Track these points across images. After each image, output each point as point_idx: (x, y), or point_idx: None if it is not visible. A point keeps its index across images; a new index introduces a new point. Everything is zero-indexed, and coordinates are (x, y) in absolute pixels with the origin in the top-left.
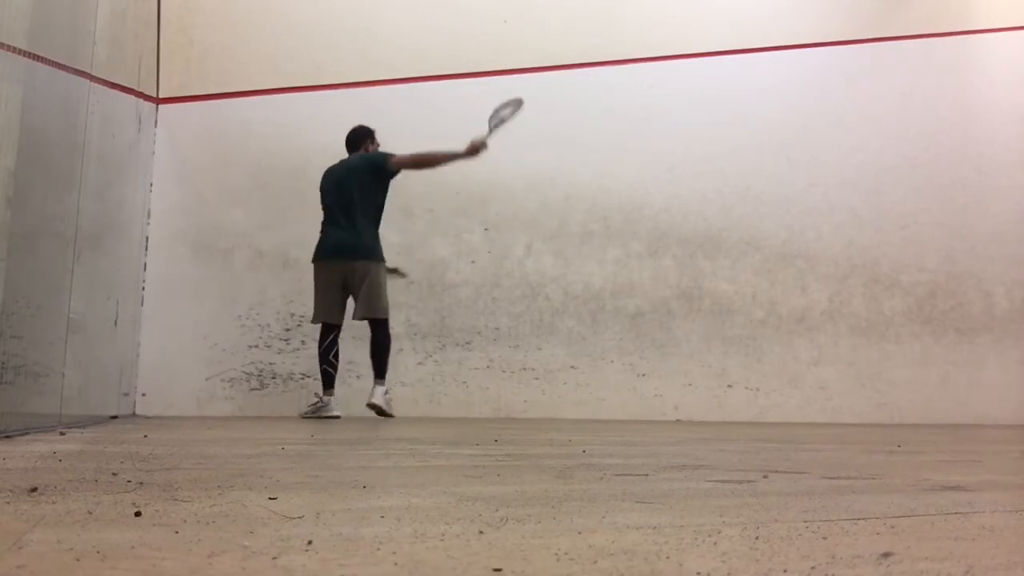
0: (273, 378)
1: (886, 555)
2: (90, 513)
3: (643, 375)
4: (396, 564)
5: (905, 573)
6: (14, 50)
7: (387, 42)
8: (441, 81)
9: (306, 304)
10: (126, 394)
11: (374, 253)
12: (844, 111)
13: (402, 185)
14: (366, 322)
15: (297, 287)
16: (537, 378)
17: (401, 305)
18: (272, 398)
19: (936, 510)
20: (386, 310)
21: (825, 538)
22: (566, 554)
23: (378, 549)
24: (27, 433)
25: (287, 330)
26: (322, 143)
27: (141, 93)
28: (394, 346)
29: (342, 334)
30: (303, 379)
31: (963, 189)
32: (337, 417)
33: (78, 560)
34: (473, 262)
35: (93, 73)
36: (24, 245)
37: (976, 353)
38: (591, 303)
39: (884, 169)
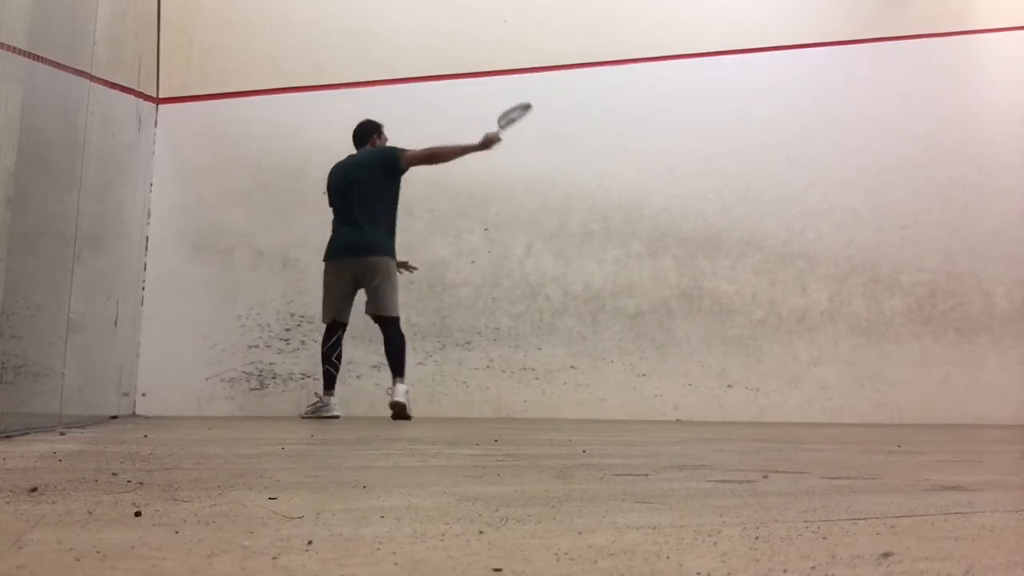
0: (273, 378)
1: (886, 555)
2: (90, 513)
3: (643, 375)
4: (396, 564)
5: (905, 573)
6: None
7: (387, 42)
8: (441, 81)
9: (306, 304)
10: (126, 394)
11: (386, 250)
12: (844, 111)
13: (402, 184)
14: (369, 322)
15: (297, 287)
16: (537, 378)
17: (401, 305)
18: (272, 398)
19: (936, 510)
20: (396, 308)
21: (825, 538)
22: (566, 554)
23: (378, 549)
24: (27, 433)
25: (287, 330)
26: (322, 143)
27: (141, 93)
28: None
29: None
30: (303, 379)
31: (963, 189)
32: (336, 417)
33: (78, 560)
34: (473, 262)
35: (93, 73)
36: (24, 245)
37: (976, 353)
38: (591, 303)
39: (884, 169)
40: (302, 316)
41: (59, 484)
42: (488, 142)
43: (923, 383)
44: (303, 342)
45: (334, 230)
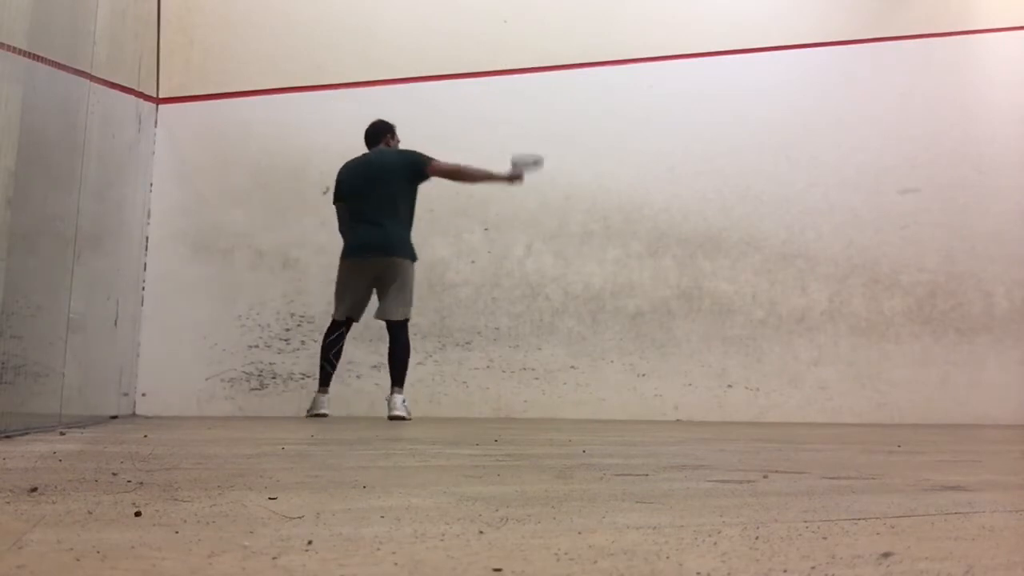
0: (273, 378)
1: (886, 555)
2: (90, 513)
3: (643, 375)
4: (396, 564)
5: (905, 573)
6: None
7: (387, 42)
8: (441, 81)
9: (306, 304)
10: (126, 394)
11: (409, 252)
12: (844, 111)
13: None
14: (370, 321)
15: (297, 287)
16: (537, 378)
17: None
18: (272, 398)
19: (936, 510)
20: (410, 312)
21: (825, 538)
22: (566, 554)
23: (378, 549)
24: (27, 433)
25: (287, 330)
26: (322, 143)
27: (141, 93)
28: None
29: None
30: (303, 379)
31: (963, 189)
32: (324, 415)
33: (78, 560)
34: (473, 262)
35: (93, 73)
36: (24, 245)
37: (976, 353)
38: (591, 303)
39: (884, 169)
40: (302, 316)
41: (59, 484)
42: (515, 176)
43: (923, 383)
44: (303, 342)
45: (351, 229)
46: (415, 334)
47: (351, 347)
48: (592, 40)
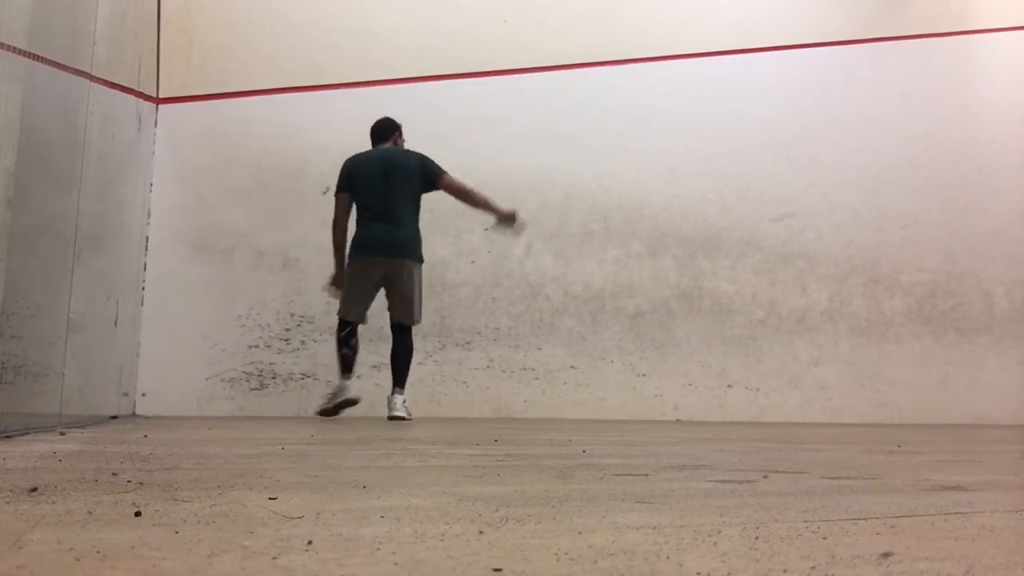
0: (273, 378)
1: (886, 555)
2: (90, 513)
3: (643, 375)
4: (396, 564)
5: (905, 573)
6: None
7: (387, 42)
8: (441, 81)
9: (306, 304)
10: (126, 394)
11: (420, 255)
12: (844, 111)
13: None
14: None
15: (297, 287)
16: (537, 378)
17: None
18: (272, 398)
19: (936, 510)
20: (421, 315)
21: (825, 538)
22: (566, 554)
23: (378, 549)
24: (27, 433)
25: (287, 330)
26: (322, 143)
27: (141, 93)
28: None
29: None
30: (303, 379)
31: (963, 189)
32: (355, 401)
33: (78, 560)
34: (473, 262)
35: (93, 73)
36: (24, 245)
37: (976, 353)
38: (591, 303)
39: (884, 169)
40: (302, 316)
41: (59, 484)
42: (511, 217)
43: (923, 383)
44: (303, 342)
45: (364, 227)
46: (415, 334)
47: None
48: (592, 40)
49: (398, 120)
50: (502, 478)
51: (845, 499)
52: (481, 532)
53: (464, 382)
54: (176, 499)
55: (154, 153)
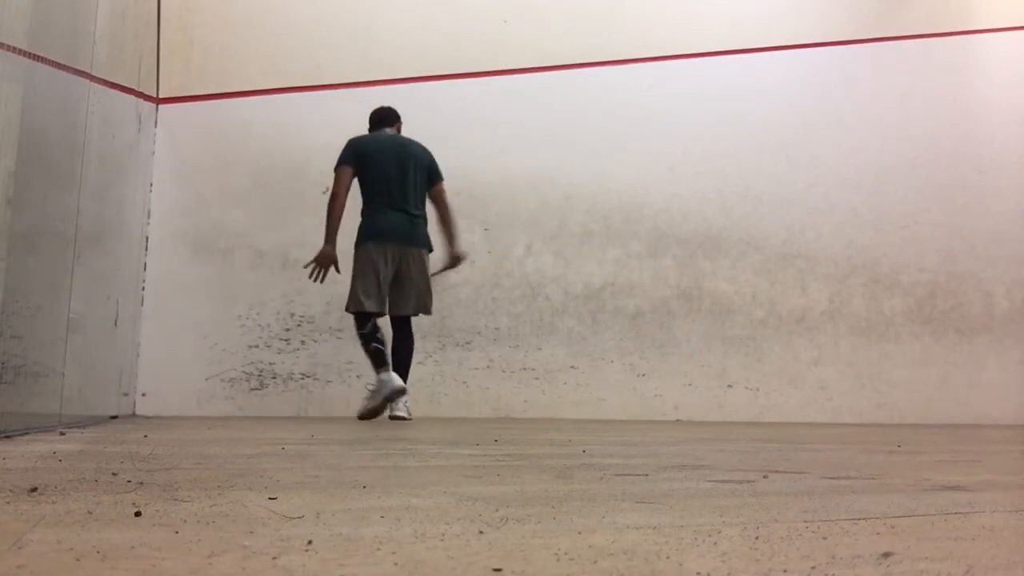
0: (273, 378)
1: (886, 555)
2: (90, 513)
3: (643, 375)
4: (396, 564)
5: (905, 573)
6: (14, 50)
7: (387, 42)
8: (441, 81)
9: (306, 304)
10: (126, 394)
11: (430, 244)
12: (844, 111)
13: None
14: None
15: (297, 287)
16: (537, 378)
17: None
18: (272, 398)
19: (936, 510)
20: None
21: (825, 538)
22: (566, 554)
23: (378, 549)
24: (27, 433)
25: (287, 330)
26: (322, 143)
27: (141, 93)
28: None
29: (342, 333)
30: (303, 379)
31: (963, 189)
32: (403, 391)
33: (78, 560)
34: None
35: (93, 73)
36: (24, 245)
37: (976, 353)
38: (591, 303)
39: (884, 169)
40: (302, 316)
41: (59, 484)
42: (459, 259)
43: (923, 383)
44: (303, 342)
45: (379, 211)
46: (415, 334)
47: (351, 346)
48: (592, 40)
49: None
50: (502, 478)
51: (845, 499)
52: (481, 532)
53: (464, 382)
54: (176, 499)
55: (154, 153)
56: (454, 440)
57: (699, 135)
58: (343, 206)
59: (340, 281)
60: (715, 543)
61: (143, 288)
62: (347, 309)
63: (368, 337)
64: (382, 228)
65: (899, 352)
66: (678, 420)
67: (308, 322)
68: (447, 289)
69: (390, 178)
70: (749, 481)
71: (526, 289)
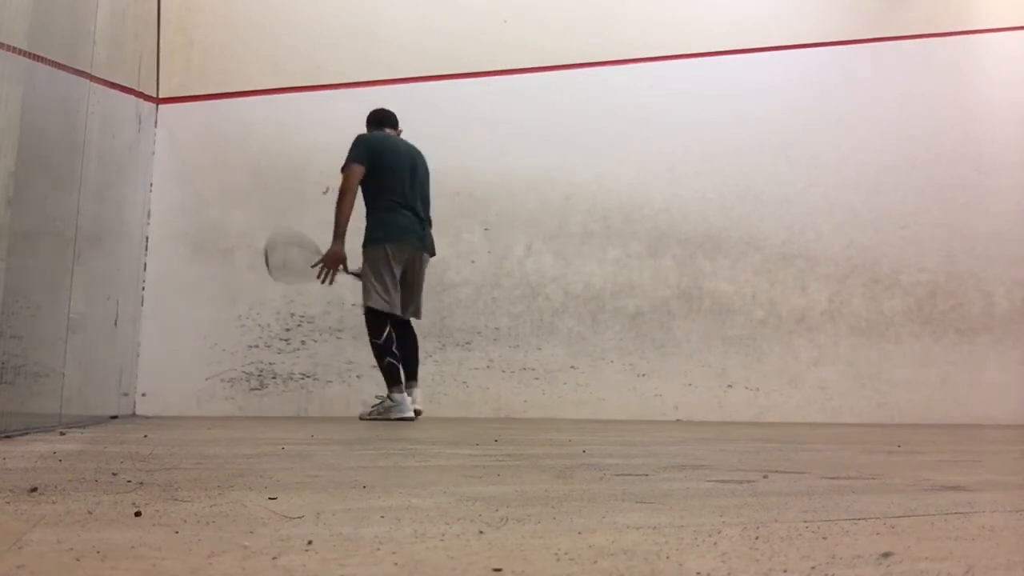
0: (273, 378)
1: (886, 555)
2: (90, 513)
3: (643, 375)
4: (396, 564)
5: (905, 573)
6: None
7: (387, 42)
8: (441, 81)
9: (306, 304)
10: (126, 394)
11: (435, 249)
12: (844, 111)
13: None
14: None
15: (297, 287)
16: (537, 378)
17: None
18: (272, 398)
19: (936, 510)
20: None
21: (825, 538)
22: (566, 554)
23: (378, 549)
24: (27, 433)
25: (287, 330)
26: (322, 143)
27: (141, 93)
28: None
29: (342, 333)
30: (303, 379)
31: (963, 189)
32: (412, 418)
33: (78, 560)
34: (473, 262)
35: (93, 73)
36: (24, 245)
37: (976, 353)
38: (591, 303)
39: (884, 169)
40: (302, 316)
41: (59, 484)
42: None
43: (923, 383)
44: (303, 342)
45: (395, 212)
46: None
47: (351, 347)
48: (592, 40)
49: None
50: (502, 478)
51: (845, 499)
52: (481, 532)
53: (464, 382)
54: (176, 499)
55: (154, 153)
56: (454, 440)
57: (699, 135)
58: (353, 204)
59: (340, 281)
60: (715, 543)
61: (143, 288)
62: (369, 304)
63: (385, 350)
64: (400, 229)
65: (899, 352)
66: (678, 420)
67: (308, 322)
68: (447, 289)
69: (404, 179)
70: (749, 481)
71: (526, 289)
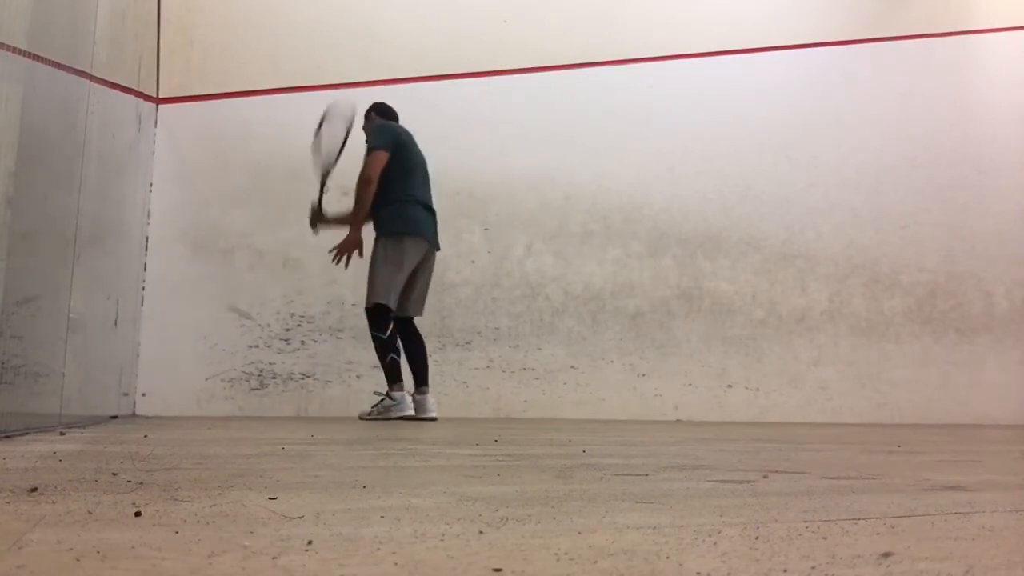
0: (273, 378)
1: (886, 555)
2: (90, 513)
3: (643, 375)
4: (396, 564)
5: (905, 573)
6: (14, 50)
7: (387, 42)
8: (441, 81)
9: (306, 304)
10: (126, 394)
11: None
12: (844, 111)
13: None
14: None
15: (297, 287)
16: (537, 378)
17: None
18: (272, 398)
19: (936, 510)
20: None
21: (825, 538)
22: (566, 554)
23: (378, 549)
24: (27, 433)
25: (287, 330)
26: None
27: (141, 93)
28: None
29: (342, 333)
30: (303, 379)
31: (963, 189)
32: (412, 417)
33: (78, 560)
34: (473, 262)
35: (93, 73)
36: (24, 245)
37: (976, 353)
38: (591, 303)
39: (884, 169)
40: (302, 316)
41: (59, 484)
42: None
43: (923, 383)
44: (303, 342)
45: (413, 207)
46: None
47: (351, 347)
48: (592, 40)
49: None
50: (502, 478)
51: (845, 499)
52: (481, 532)
53: (464, 382)
54: (176, 499)
55: (154, 153)
56: (454, 440)
57: (699, 135)
58: (374, 192)
59: (340, 281)
60: (715, 543)
61: (143, 288)
62: (374, 300)
63: (388, 346)
64: (418, 223)
65: (899, 352)
66: (678, 420)
67: (308, 322)
68: (447, 289)
69: (420, 173)
70: (749, 481)
71: (526, 289)
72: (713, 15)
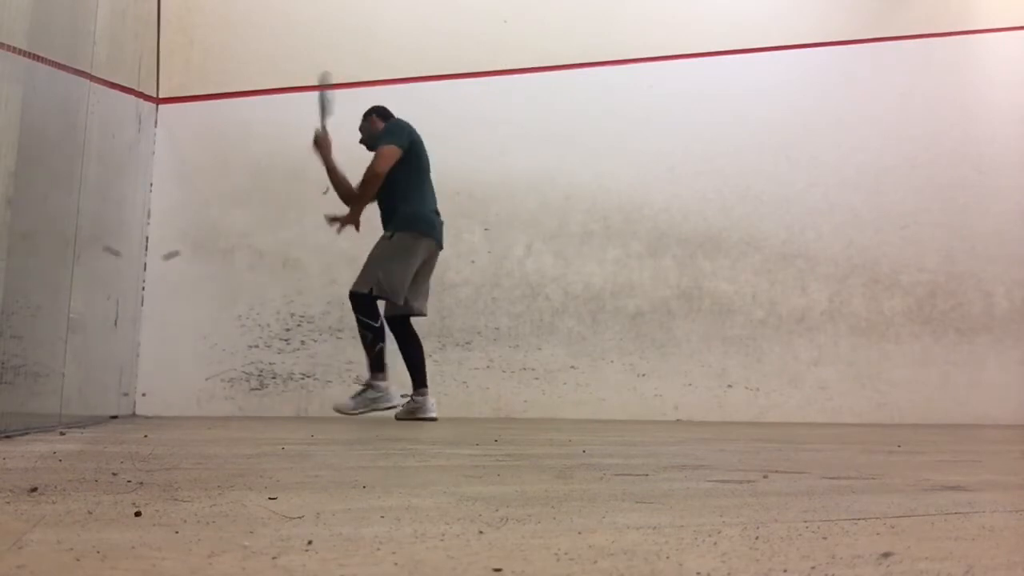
0: (273, 378)
1: (886, 555)
2: (90, 513)
3: (643, 375)
4: (396, 564)
5: (905, 573)
6: (14, 50)
7: (387, 42)
8: (441, 81)
9: (306, 304)
10: (126, 394)
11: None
12: (844, 111)
13: None
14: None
15: (297, 287)
16: (537, 378)
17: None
18: (272, 398)
19: (936, 510)
20: None
21: (825, 538)
22: (566, 554)
23: (378, 549)
24: (27, 433)
25: (287, 330)
26: None
27: (141, 93)
28: (395, 346)
29: (342, 333)
30: (303, 379)
31: (963, 189)
32: (396, 406)
33: (78, 560)
34: (473, 262)
35: (93, 73)
36: (24, 245)
37: (976, 353)
38: (591, 303)
39: (884, 169)
40: (302, 316)
41: (59, 484)
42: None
43: (923, 383)
44: (303, 342)
45: (426, 206)
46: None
47: (350, 347)
48: (592, 40)
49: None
50: (502, 478)
51: (845, 499)
52: (481, 532)
53: (464, 382)
54: (176, 499)
55: (154, 153)
56: (454, 440)
57: (699, 135)
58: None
59: (340, 281)
60: (715, 543)
61: (143, 288)
62: (373, 292)
63: (379, 333)
64: (431, 224)
65: (899, 352)
66: (678, 420)
67: (308, 322)
68: (447, 289)
69: (429, 174)
70: (749, 481)
71: (526, 289)
72: (713, 15)
